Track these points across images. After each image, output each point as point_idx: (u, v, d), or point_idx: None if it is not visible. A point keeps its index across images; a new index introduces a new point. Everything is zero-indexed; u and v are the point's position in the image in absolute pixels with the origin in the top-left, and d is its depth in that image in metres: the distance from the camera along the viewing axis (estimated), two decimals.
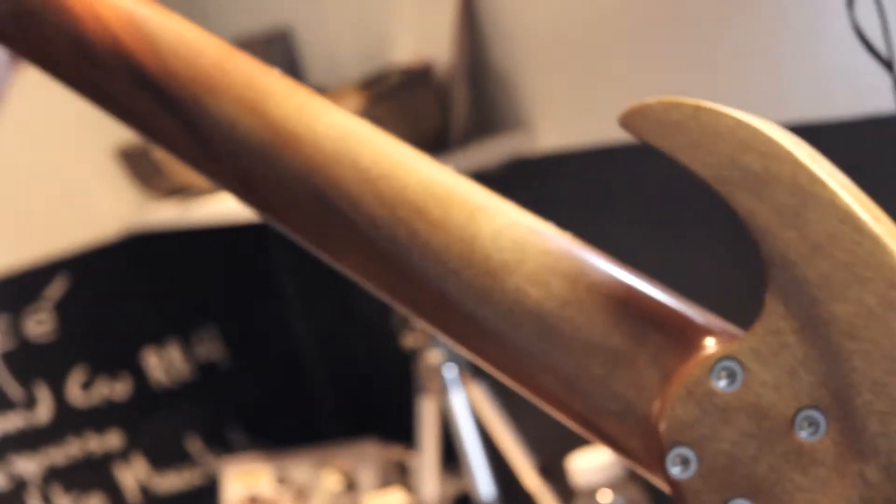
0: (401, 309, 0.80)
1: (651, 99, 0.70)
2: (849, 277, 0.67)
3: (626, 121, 0.70)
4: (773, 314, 0.69)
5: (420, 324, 0.80)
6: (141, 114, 0.83)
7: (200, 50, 0.82)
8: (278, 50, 2.65)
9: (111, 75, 0.82)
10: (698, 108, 0.69)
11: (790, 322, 0.68)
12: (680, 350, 0.71)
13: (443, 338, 0.79)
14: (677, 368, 0.71)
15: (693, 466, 0.70)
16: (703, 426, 0.70)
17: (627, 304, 0.72)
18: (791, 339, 0.69)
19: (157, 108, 0.82)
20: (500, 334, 0.75)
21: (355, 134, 0.79)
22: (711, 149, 0.68)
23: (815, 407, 0.68)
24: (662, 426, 0.70)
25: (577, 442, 1.88)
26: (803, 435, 0.69)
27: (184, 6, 2.80)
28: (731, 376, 0.70)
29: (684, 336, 0.71)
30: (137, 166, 2.71)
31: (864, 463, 0.67)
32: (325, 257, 0.82)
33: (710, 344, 0.71)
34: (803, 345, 0.68)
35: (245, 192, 0.82)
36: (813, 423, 0.69)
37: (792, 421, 0.69)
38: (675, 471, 0.70)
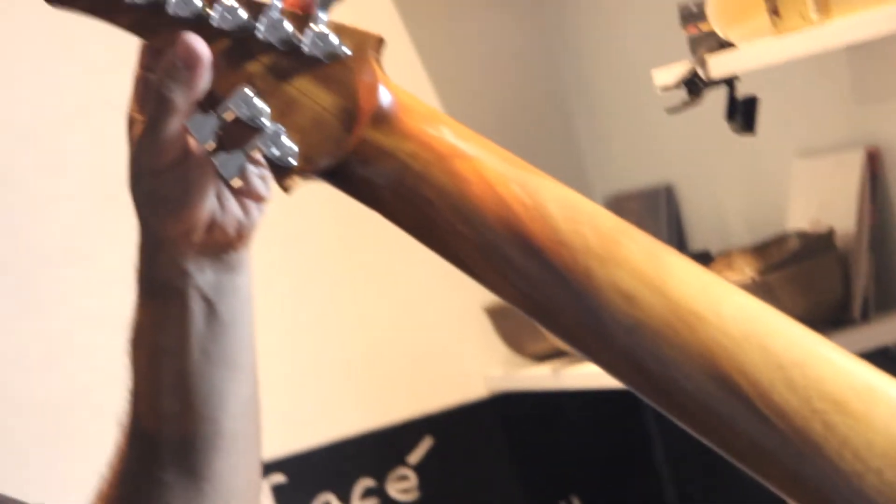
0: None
1: None
2: None
3: None
4: None
5: None
6: (524, 283, 0.84)
7: (593, 221, 0.84)
8: (661, 208, 2.76)
9: (496, 242, 0.84)
10: None
11: None
12: None
13: None
14: None
15: None
16: None
17: None
18: None
19: (543, 278, 0.83)
20: None
21: (764, 318, 0.81)
22: None
23: None
24: None
25: None
26: None
27: (566, 161, 2.95)
28: None
29: None
30: (507, 326, 2.85)
31: None
32: (718, 447, 0.82)
33: None
34: None
35: (631, 372, 0.82)
36: None
37: None
38: None
